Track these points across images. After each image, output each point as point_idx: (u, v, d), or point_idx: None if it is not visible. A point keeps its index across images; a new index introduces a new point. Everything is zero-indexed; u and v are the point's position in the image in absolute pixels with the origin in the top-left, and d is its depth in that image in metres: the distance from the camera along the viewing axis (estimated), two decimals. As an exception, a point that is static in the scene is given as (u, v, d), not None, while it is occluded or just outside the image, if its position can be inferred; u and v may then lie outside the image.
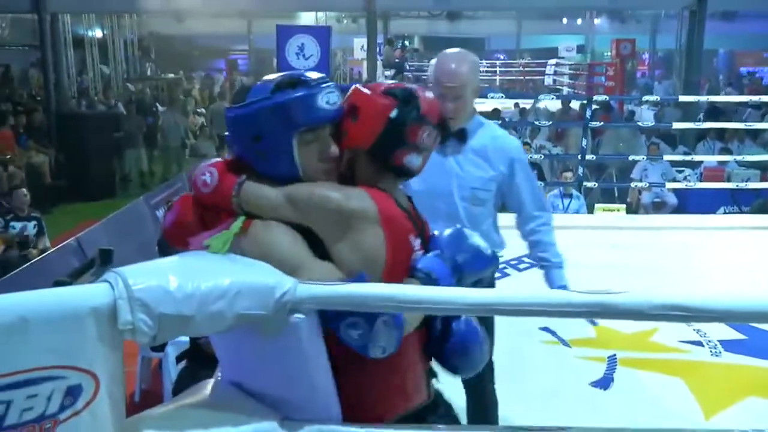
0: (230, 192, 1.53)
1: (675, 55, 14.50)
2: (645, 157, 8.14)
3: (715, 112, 10.87)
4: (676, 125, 8.52)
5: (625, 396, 3.37)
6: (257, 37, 23.52)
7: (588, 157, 7.24)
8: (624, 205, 7.54)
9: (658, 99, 10.18)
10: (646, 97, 9.36)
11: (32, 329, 1.11)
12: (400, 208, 1.61)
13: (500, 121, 7.82)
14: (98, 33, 18.53)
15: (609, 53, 18.93)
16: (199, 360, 3.73)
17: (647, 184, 8.01)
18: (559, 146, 10.51)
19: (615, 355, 3.73)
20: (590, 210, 7.08)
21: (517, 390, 3.01)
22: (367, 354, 1.42)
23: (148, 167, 13.04)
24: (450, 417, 1.75)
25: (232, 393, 1.50)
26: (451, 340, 1.69)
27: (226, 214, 1.54)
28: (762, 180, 8.06)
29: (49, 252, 6.86)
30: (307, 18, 17.71)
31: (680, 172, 8.94)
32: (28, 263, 6.38)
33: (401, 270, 1.55)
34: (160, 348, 4.11)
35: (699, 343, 3.85)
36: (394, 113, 1.58)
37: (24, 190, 7.81)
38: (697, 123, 8.59)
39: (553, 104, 12.57)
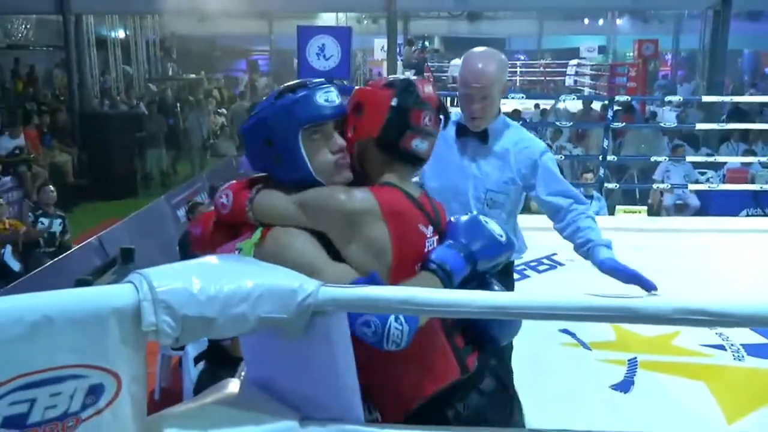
0: (244, 208, 1.64)
1: (698, 56, 14.36)
2: (667, 158, 8.07)
3: (738, 113, 10.74)
4: (699, 126, 8.44)
5: (645, 400, 3.34)
6: (278, 37, 23.63)
7: (609, 158, 7.19)
8: (645, 207, 7.48)
9: (681, 99, 10.08)
10: (668, 98, 9.26)
11: (57, 328, 1.12)
12: (408, 198, 1.67)
13: (520, 122, 7.79)
14: (121, 34, 18.72)
15: (631, 54, 18.77)
16: (218, 360, 3.76)
17: (669, 186, 7.94)
18: (580, 147, 10.45)
19: (636, 358, 3.70)
20: (611, 212, 7.03)
21: (536, 393, 2.99)
22: (381, 348, 1.48)
23: (171, 167, 13.14)
24: (498, 390, 1.75)
25: (252, 392, 1.51)
26: None
27: (247, 228, 1.64)
28: (787, 182, 7.96)
29: (71, 250, 6.95)
30: (328, 18, 17.75)
31: (703, 173, 8.85)
32: (51, 261, 6.47)
33: (411, 258, 1.61)
34: (180, 347, 4.14)
35: (722, 347, 3.81)
36: (395, 101, 1.68)
37: (51, 187, 7.94)
38: (720, 124, 8.49)
39: (573, 105, 12.50)
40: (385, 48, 13.96)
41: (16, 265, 6.97)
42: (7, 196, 8.86)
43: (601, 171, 7.16)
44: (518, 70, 22.40)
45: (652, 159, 7.88)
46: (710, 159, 8.48)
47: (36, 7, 14.36)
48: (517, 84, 20.97)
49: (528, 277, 4.71)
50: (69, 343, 1.14)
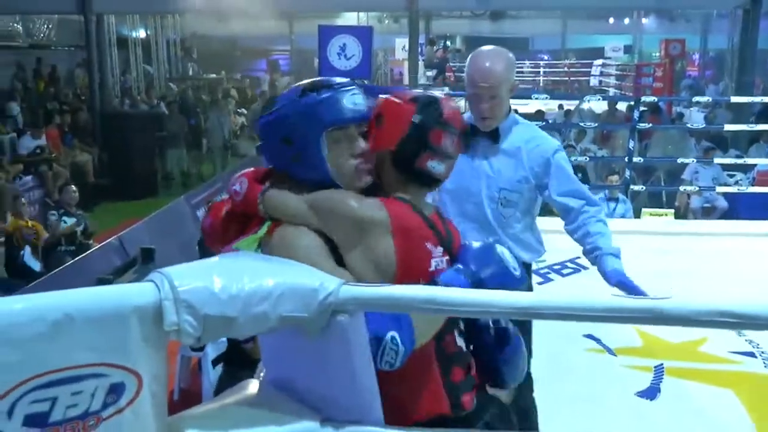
0: (256, 199, 1.62)
1: (727, 55, 14.19)
2: (695, 160, 7.98)
3: (768, 113, 10.60)
4: (728, 127, 8.34)
5: (672, 407, 3.31)
6: (299, 37, 23.73)
7: (635, 159, 7.13)
8: (672, 210, 7.41)
9: (709, 100, 9.96)
10: (696, 98, 9.16)
11: (77, 327, 1.13)
12: (419, 215, 1.65)
13: (543, 123, 7.74)
14: (142, 33, 18.91)
15: (657, 54, 18.61)
16: (238, 362, 3.77)
17: (697, 188, 7.85)
18: (605, 149, 10.37)
19: (662, 364, 3.66)
20: (637, 214, 6.96)
21: (560, 399, 2.98)
22: (375, 367, 1.46)
23: (192, 167, 13.23)
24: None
25: (273, 393, 1.52)
26: (506, 349, 1.72)
27: (258, 221, 1.63)
28: (818, 185, 7.84)
29: (91, 250, 7.03)
30: (349, 18, 17.79)
31: (731, 176, 8.74)
32: (72, 261, 6.54)
33: (415, 275, 1.58)
34: (200, 347, 4.16)
35: (751, 354, 3.75)
36: (416, 117, 1.65)
37: (73, 187, 8.04)
38: (749, 125, 8.38)
39: (598, 106, 12.40)
40: (407, 48, 13.95)
41: (36, 265, 7.05)
42: (28, 195, 8.98)
43: (627, 173, 7.10)
44: (542, 70, 22.30)
45: (679, 161, 7.80)
46: (739, 161, 8.38)
47: (58, 7, 14.55)
48: (541, 84, 20.87)
49: (551, 280, 4.68)
50: (90, 341, 1.15)
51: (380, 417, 1.45)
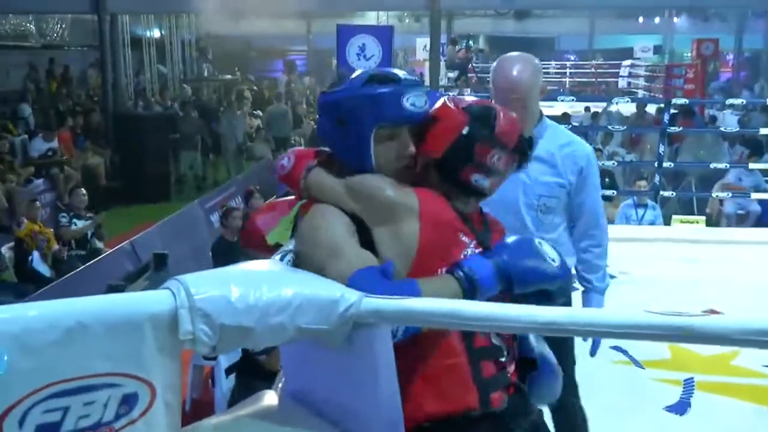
0: (299, 176, 1.71)
1: (763, 56, 14.04)
2: (728, 165, 7.91)
3: (806, 117, 10.49)
4: (764, 131, 8.25)
5: (702, 423, 3.28)
6: (316, 37, 23.84)
7: (665, 164, 7.08)
8: (704, 217, 7.34)
9: (743, 102, 9.86)
10: (730, 101, 9.07)
11: (91, 335, 1.14)
12: (455, 210, 1.67)
13: (569, 126, 7.71)
14: (156, 33, 19.07)
15: (689, 54, 18.47)
16: (251, 373, 3.79)
17: (729, 194, 7.78)
18: (633, 153, 10.30)
19: (692, 378, 3.63)
20: (667, 221, 6.91)
21: (586, 412, 2.96)
22: None
23: (206, 170, 13.30)
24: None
25: (290, 405, 1.52)
26: (544, 368, 1.75)
27: (294, 202, 1.73)
28: None
29: (103, 255, 7.09)
30: (368, 17, 17.84)
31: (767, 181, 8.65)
32: (82, 267, 6.61)
33: (439, 265, 1.59)
34: (213, 357, 4.19)
35: (787, 369, 3.71)
36: (466, 129, 1.66)
37: (83, 190, 8.14)
38: (786, 129, 8.29)
39: (626, 108, 12.33)
40: (428, 48, 13.97)
41: (45, 270, 7.12)
42: (40, 198, 9.09)
43: (657, 178, 7.04)
44: (568, 71, 22.23)
45: (712, 166, 7.73)
46: (776, 166, 8.28)
47: (71, 6, 14.73)
48: (567, 86, 20.80)
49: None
50: (104, 350, 1.15)
51: (402, 430, 1.45)
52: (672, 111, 7.75)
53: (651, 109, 11.57)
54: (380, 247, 1.61)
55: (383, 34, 7.66)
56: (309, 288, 1.32)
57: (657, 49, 23.22)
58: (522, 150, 1.73)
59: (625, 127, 9.16)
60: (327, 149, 1.76)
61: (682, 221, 6.75)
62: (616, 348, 3.84)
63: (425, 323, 1.38)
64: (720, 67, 21.95)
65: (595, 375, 3.58)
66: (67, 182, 9.96)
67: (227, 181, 11.57)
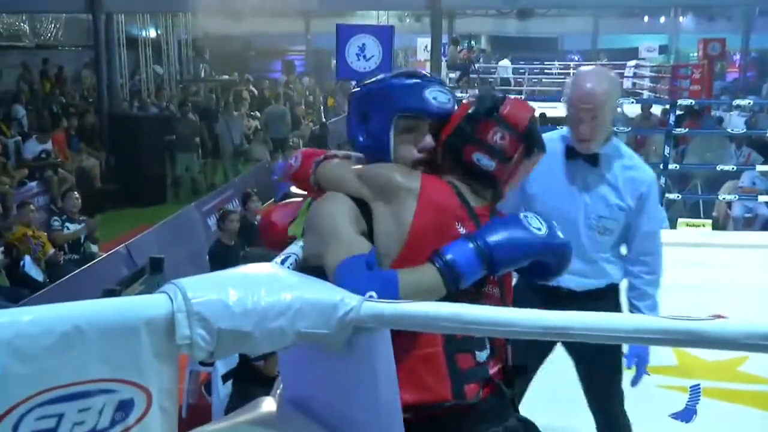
0: (309, 171, 1.78)
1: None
2: (734, 167, 7.91)
3: (815, 118, 10.50)
4: (771, 133, 8.26)
5: (709, 430, 3.28)
6: (315, 36, 23.85)
7: (671, 166, 7.08)
8: (710, 220, 7.34)
9: (750, 103, 9.86)
10: (736, 101, 9.08)
11: (87, 339, 1.14)
12: (459, 197, 1.70)
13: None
14: (152, 33, 19.09)
15: (695, 54, 18.48)
16: (249, 378, 3.80)
17: (736, 197, 7.78)
18: (638, 155, 10.28)
19: (698, 385, 3.63)
20: (672, 225, 6.91)
21: (590, 420, 2.96)
22: None
23: (203, 172, 13.29)
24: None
25: (288, 412, 1.52)
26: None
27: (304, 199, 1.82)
28: None
29: (98, 259, 7.09)
30: (367, 17, 17.85)
31: (775, 184, 8.65)
32: (78, 270, 6.61)
33: (430, 248, 1.61)
34: (210, 362, 4.19)
35: (795, 375, 3.71)
36: (472, 109, 1.73)
37: (75, 193, 8.13)
38: (794, 130, 8.29)
39: (631, 109, 12.34)
40: (429, 48, 13.98)
41: (38, 274, 7.11)
42: (33, 201, 9.09)
43: (662, 180, 7.05)
44: (572, 71, 22.19)
45: (719, 168, 7.73)
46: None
47: (65, 6, 14.75)
48: (570, 86, 20.74)
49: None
50: (99, 355, 1.15)
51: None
52: (678, 112, 7.75)
53: (656, 110, 11.58)
54: (377, 227, 1.66)
55: (383, 34, 7.66)
56: (308, 292, 1.32)
57: (662, 49, 23.22)
58: (531, 137, 1.73)
59: (629, 129, 9.14)
60: (335, 151, 1.86)
61: (688, 224, 6.74)
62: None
63: (426, 328, 1.38)
64: (727, 68, 22.00)
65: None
66: (62, 185, 9.96)
67: (224, 183, 11.58)
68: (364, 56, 7.40)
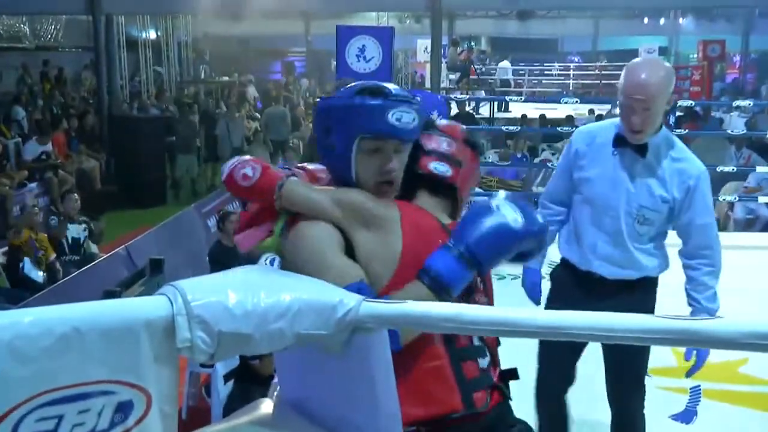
0: (273, 187, 1.68)
1: (770, 57, 14.06)
2: (734, 169, 7.90)
3: (815, 119, 10.50)
4: (772, 134, 8.25)
5: (709, 432, 3.28)
6: (315, 38, 23.86)
7: (671, 168, 7.07)
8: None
9: (750, 104, 9.86)
10: (737, 102, 9.07)
11: (86, 341, 1.14)
12: (435, 220, 1.73)
13: (574, 129, 7.72)
14: (152, 34, 19.10)
15: (695, 55, 18.50)
16: (249, 379, 3.80)
17: (736, 198, 7.77)
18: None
19: (699, 386, 3.63)
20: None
21: (589, 421, 2.96)
22: None
23: (203, 174, 13.28)
24: None
25: (287, 414, 1.52)
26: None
27: (268, 215, 1.73)
28: None
29: (98, 261, 7.09)
30: (367, 18, 17.86)
31: (775, 186, 8.64)
32: (77, 272, 6.60)
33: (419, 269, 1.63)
34: (210, 364, 4.19)
35: (796, 376, 3.71)
36: None
37: (75, 195, 8.13)
38: (794, 132, 8.29)
39: (632, 110, 12.32)
40: (429, 49, 13.97)
41: (38, 276, 7.11)
42: (34, 203, 9.08)
43: (662, 182, 7.03)
44: (572, 72, 22.23)
45: (719, 169, 7.72)
46: (783, 169, 8.26)
47: (66, 7, 14.76)
48: (571, 88, 20.81)
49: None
50: (99, 357, 1.15)
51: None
52: (677, 113, 7.75)
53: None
54: (362, 255, 1.64)
55: (383, 35, 7.67)
56: (307, 293, 1.32)
57: (662, 51, 23.19)
58: (472, 142, 1.83)
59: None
60: (295, 169, 1.81)
61: (688, 226, 6.72)
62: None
63: (425, 327, 1.38)
64: (726, 69, 22.01)
65: (600, 383, 3.58)
66: (62, 186, 9.96)
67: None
68: (364, 57, 7.42)
